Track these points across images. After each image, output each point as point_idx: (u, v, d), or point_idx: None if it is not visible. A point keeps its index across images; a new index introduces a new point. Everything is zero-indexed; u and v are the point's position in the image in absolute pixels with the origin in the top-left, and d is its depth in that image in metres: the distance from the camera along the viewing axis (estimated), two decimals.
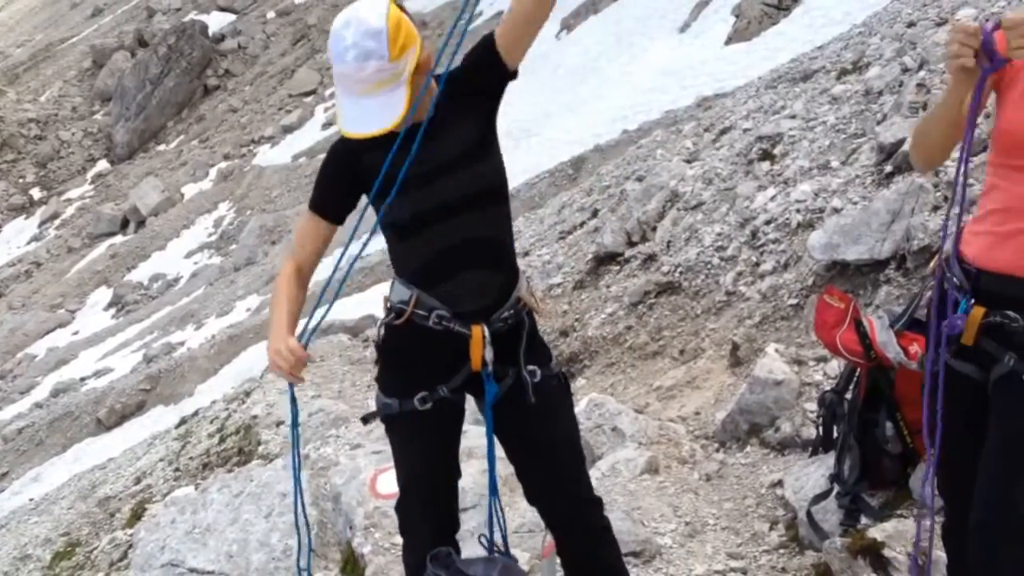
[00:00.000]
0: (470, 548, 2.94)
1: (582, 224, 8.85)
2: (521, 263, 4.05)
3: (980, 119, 5.29)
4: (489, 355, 2.62)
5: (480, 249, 2.62)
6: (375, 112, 2.44)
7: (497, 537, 2.95)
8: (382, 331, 2.75)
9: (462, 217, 2.57)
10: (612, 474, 4.36)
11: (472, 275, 2.61)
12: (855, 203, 5.57)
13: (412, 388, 2.68)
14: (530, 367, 2.68)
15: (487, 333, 2.61)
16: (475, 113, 2.61)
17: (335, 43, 2.44)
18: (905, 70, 6.76)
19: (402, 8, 2.52)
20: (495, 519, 2.94)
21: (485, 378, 2.65)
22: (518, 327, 2.68)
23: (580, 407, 4.92)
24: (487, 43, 2.56)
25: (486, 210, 2.60)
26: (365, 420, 2.78)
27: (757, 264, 5.96)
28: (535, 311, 2.75)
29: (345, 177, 2.66)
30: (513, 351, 2.67)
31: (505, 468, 2.94)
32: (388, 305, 2.70)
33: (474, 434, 2.88)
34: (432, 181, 2.57)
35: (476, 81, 2.59)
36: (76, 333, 23.39)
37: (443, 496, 2.82)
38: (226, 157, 31.27)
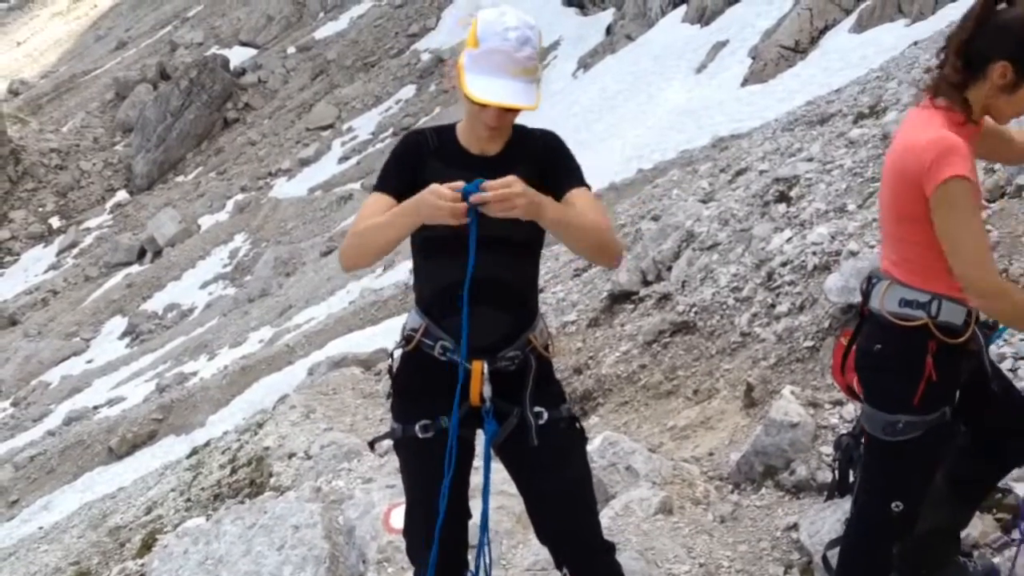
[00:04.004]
0: None
1: None
2: None
3: (980, 174, 5.32)
4: (487, 391, 2.65)
5: (495, 289, 2.65)
6: (513, 91, 2.51)
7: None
8: (396, 357, 2.82)
9: (489, 255, 2.59)
10: (626, 513, 4.34)
11: (480, 311, 2.63)
12: (872, 246, 5.58)
13: (416, 415, 2.73)
14: (536, 409, 2.70)
15: (486, 369, 2.65)
16: (538, 180, 2.67)
17: (495, 24, 2.52)
18: None
19: None
20: (483, 558, 2.94)
21: (484, 415, 2.67)
22: (524, 368, 2.70)
23: (594, 445, 4.90)
24: (568, 181, 2.68)
25: (514, 256, 2.62)
26: (372, 444, 2.81)
27: (773, 306, 5.96)
28: (543, 356, 2.76)
29: (410, 167, 2.70)
30: (518, 391, 2.69)
31: (520, 504, 2.93)
32: (403, 332, 2.78)
33: (495, 468, 2.89)
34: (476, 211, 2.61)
35: (548, 172, 2.69)
36: (90, 361, 23.50)
37: (444, 526, 2.80)
38: (243, 189, 31.59)
